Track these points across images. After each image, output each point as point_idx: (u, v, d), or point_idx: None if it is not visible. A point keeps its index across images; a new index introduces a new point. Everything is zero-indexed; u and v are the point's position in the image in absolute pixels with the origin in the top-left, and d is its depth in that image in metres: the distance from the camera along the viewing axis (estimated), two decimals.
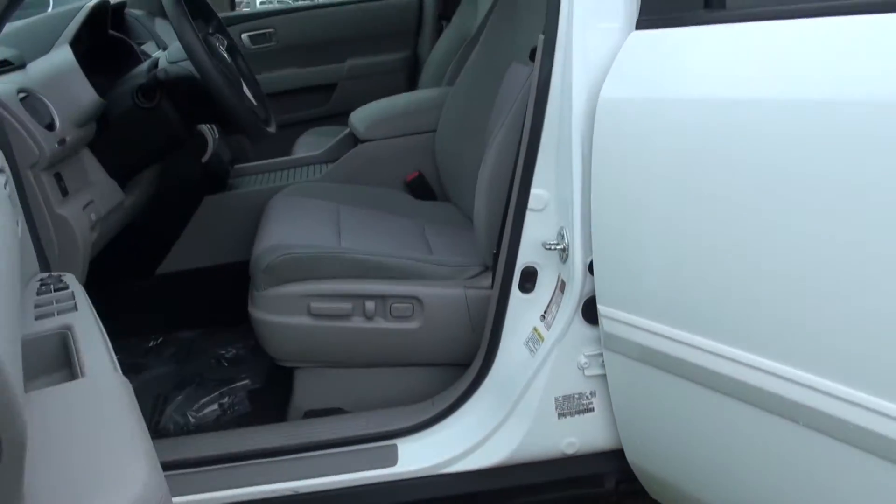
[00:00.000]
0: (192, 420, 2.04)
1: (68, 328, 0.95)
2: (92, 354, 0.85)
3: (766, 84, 1.20)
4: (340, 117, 2.97)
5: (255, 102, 2.08)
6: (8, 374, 0.53)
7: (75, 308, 1.01)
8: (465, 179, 2.23)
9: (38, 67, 1.74)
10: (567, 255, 1.58)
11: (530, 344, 1.70)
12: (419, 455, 1.73)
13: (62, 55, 1.77)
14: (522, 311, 1.70)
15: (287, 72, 3.61)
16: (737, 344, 1.26)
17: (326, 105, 3.65)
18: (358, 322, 1.86)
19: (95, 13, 2.00)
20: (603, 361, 1.59)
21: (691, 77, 1.33)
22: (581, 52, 1.48)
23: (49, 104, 1.66)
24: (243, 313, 1.92)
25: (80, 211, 1.67)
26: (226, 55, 2.02)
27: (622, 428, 1.62)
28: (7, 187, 1.18)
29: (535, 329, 1.70)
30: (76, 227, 1.62)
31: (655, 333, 1.41)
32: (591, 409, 1.67)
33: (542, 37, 1.55)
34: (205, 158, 2.39)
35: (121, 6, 2.65)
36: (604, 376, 1.61)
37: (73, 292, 1.08)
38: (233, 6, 4.21)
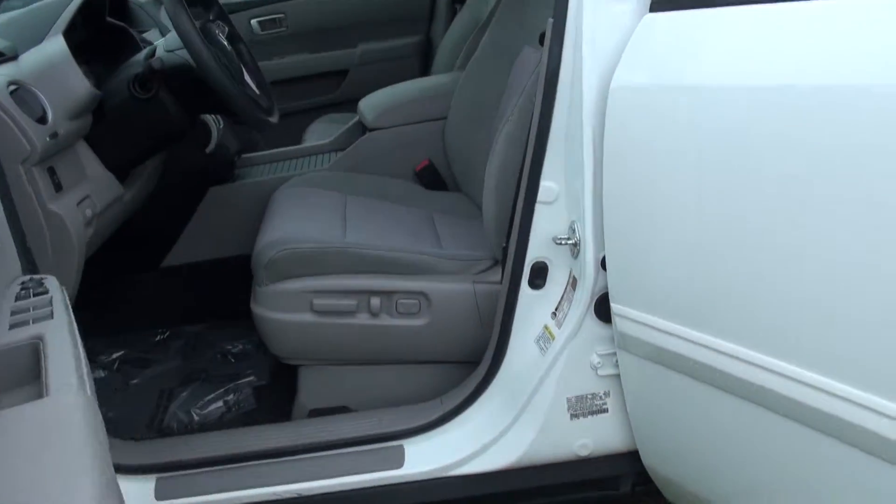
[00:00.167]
0: (197, 418, 2.00)
1: (40, 339, 0.90)
2: (58, 371, 0.79)
3: (792, 70, 1.12)
4: (352, 104, 2.89)
5: (257, 91, 2.02)
6: None
7: (51, 316, 0.95)
8: (476, 169, 2.15)
9: (30, 59, 1.69)
10: (578, 251, 1.51)
11: (541, 342, 1.63)
12: (427, 456, 1.67)
13: (55, 45, 1.72)
14: (533, 308, 1.63)
15: (297, 58, 3.54)
16: (757, 347, 1.18)
17: (338, 92, 3.58)
18: (363, 319, 1.80)
19: (91, 1, 1.94)
20: (617, 361, 1.52)
21: (710, 63, 1.25)
22: (591, 37, 1.40)
23: (41, 96, 1.61)
24: (250, 307, 1.87)
25: (74, 207, 1.62)
26: (226, 43, 1.95)
27: (637, 430, 1.55)
28: None
29: (545, 327, 1.63)
30: (70, 223, 1.57)
31: (671, 334, 1.33)
32: (605, 410, 1.60)
33: (550, 20, 1.47)
34: (209, 149, 2.33)
35: None
36: (618, 376, 1.55)
37: (51, 298, 1.02)
38: None
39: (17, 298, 1.03)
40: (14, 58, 1.68)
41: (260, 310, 1.81)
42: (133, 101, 1.88)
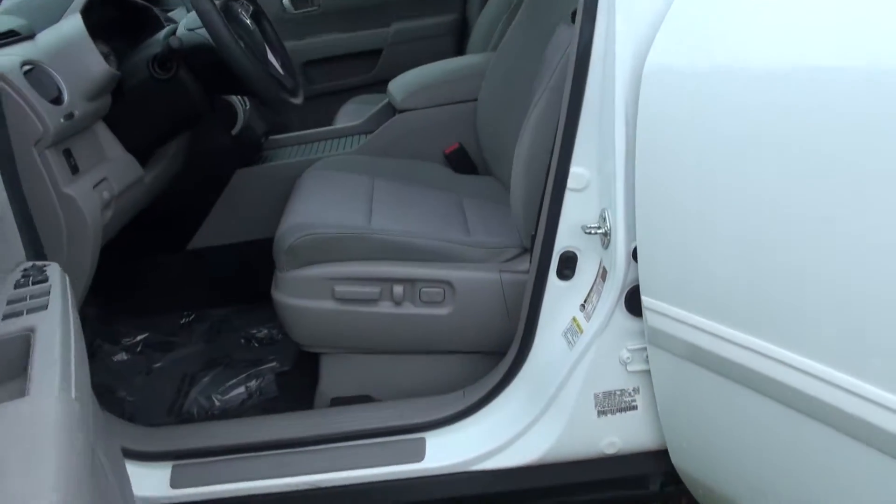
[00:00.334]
0: (217, 403, 1.98)
1: (31, 331, 0.86)
2: (43, 369, 0.75)
3: (850, 50, 1.02)
4: (386, 85, 2.83)
5: (281, 71, 1.96)
6: None
7: (46, 307, 0.91)
8: (507, 152, 2.06)
9: (47, 38, 1.65)
10: (609, 241, 1.43)
11: (568, 335, 1.56)
12: (448, 450, 1.62)
13: (72, 24, 1.68)
14: (560, 300, 1.56)
15: (330, 37, 3.48)
16: (798, 349, 1.10)
17: (372, 72, 3.52)
18: (385, 307, 1.75)
19: None
20: (647, 356, 1.45)
21: (756, 41, 1.15)
22: (626, 11, 1.31)
23: (56, 76, 1.57)
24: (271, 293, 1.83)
25: (90, 190, 1.58)
26: (249, 22, 1.90)
27: (667, 429, 1.48)
28: None
29: (574, 319, 1.56)
30: (84, 207, 1.54)
31: (706, 331, 1.25)
32: (634, 407, 1.53)
33: None
34: (235, 130, 2.29)
35: None
36: (648, 372, 1.47)
37: (49, 287, 0.98)
38: None
39: (17, 286, 0.99)
40: (31, 37, 1.65)
41: (280, 296, 1.77)
42: (152, 82, 1.84)
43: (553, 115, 1.55)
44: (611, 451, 1.56)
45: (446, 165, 2.38)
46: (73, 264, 1.57)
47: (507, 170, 2.06)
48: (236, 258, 2.39)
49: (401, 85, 2.45)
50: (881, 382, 0.99)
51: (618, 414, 1.53)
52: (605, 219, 1.43)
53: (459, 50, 3.45)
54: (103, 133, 1.76)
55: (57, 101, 1.55)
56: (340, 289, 1.73)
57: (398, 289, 1.73)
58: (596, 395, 1.53)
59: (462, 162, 2.37)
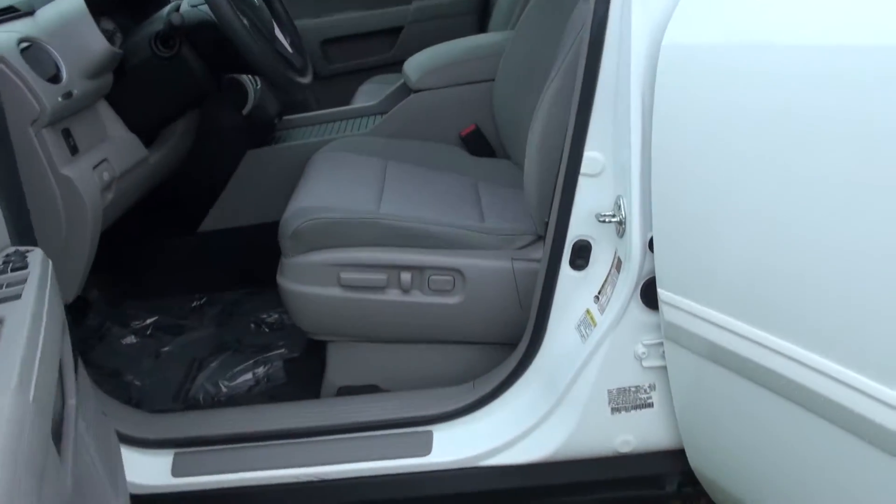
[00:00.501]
0: (224, 390, 1.94)
1: (1, 321, 0.81)
2: (3, 365, 0.70)
3: (879, 27, 0.93)
4: None
5: (289, 50, 1.90)
6: None
7: (19, 296, 0.87)
8: (524, 134, 1.98)
9: (46, 14, 1.60)
10: (624, 230, 1.36)
11: (581, 328, 1.49)
12: (456, 444, 1.57)
13: (71, 1, 1.63)
14: (573, 291, 1.49)
15: (349, 15, 3.40)
16: (827, 353, 1.01)
17: (391, 51, 3.43)
18: (393, 295, 1.69)
19: None
20: (664, 352, 1.38)
21: (780, 18, 1.06)
22: None
23: (55, 54, 1.52)
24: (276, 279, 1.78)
25: (89, 171, 1.54)
26: None
27: (684, 430, 1.41)
28: None
29: (587, 311, 1.49)
30: (83, 188, 1.49)
31: (726, 329, 1.18)
32: (650, 405, 1.46)
33: None
34: (245, 110, 2.24)
35: None
36: (665, 368, 1.40)
37: (27, 275, 0.94)
38: None
39: None
40: (30, 13, 1.60)
41: (285, 282, 1.72)
42: (155, 60, 1.78)
43: (568, 95, 1.47)
44: (625, 449, 1.49)
45: (462, 147, 2.30)
46: (71, 247, 1.54)
47: (525, 152, 1.99)
48: (248, 241, 2.34)
49: (416, 64, 2.38)
50: None
51: (633, 411, 1.47)
52: (619, 206, 1.36)
53: (481, 28, 3.36)
54: (105, 112, 1.71)
55: (55, 79, 1.50)
56: (346, 275, 1.67)
57: (406, 276, 1.67)
58: (609, 392, 1.46)
59: (478, 144, 2.29)
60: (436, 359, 1.76)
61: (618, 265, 1.42)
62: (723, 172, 1.14)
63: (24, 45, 1.48)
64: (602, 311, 1.44)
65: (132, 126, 1.76)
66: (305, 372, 1.95)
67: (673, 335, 1.31)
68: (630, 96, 1.27)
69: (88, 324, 2.14)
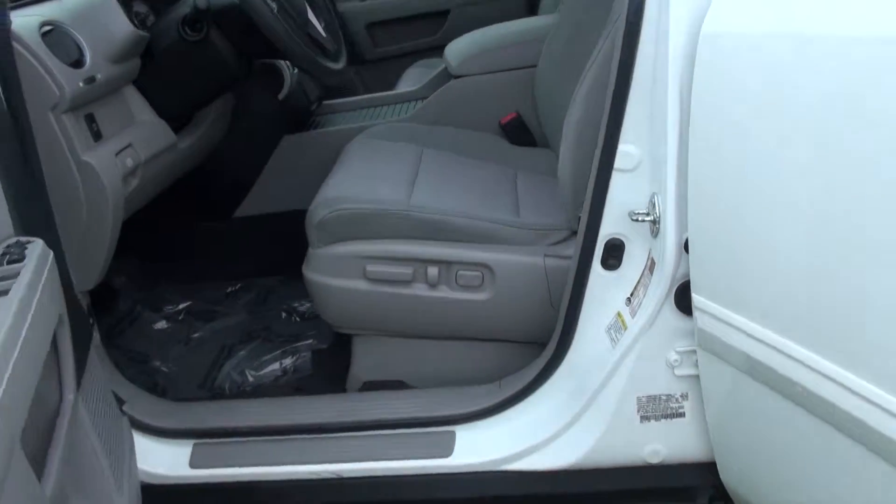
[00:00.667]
0: (251, 379, 1.92)
1: None
2: None
3: None
4: None
5: (323, 34, 1.84)
6: None
7: (6, 292, 0.84)
8: None
9: None
10: (658, 229, 1.27)
11: (612, 331, 1.42)
12: (478, 446, 1.52)
13: None
14: (605, 292, 1.42)
15: None
16: (870, 378, 0.92)
17: (438, 34, 3.36)
18: (419, 289, 1.63)
19: None
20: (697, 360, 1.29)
21: (831, 6, 0.96)
22: None
23: (78, 38, 1.50)
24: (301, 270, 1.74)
25: (111, 157, 1.52)
26: None
27: (716, 443, 1.33)
28: None
29: (618, 314, 1.41)
30: (103, 174, 1.47)
31: (764, 342, 1.09)
32: (682, 414, 1.39)
33: None
34: (282, 95, 2.20)
35: None
36: (698, 377, 1.31)
37: (21, 268, 0.91)
38: None
39: None
40: None
41: (311, 274, 1.68)
42: (182, 44, 1.75)
43: (605, 85, 1.38)
44: (654, 459, 1.42)
45: (502, 136, 2.23)
46: (92, 233, 1.52)
47: None
48: (284, 227, 2.31)
49: (457, 49, 2.31)
50: None
51: (663, 420, 1.39)
52: (654, 204, 1.27)
53: (531, 11, 3.26)
54: (133, 97, 1.69)
55: (77, 63, 1.48)
56: (372, 268, 1.62)
57: (433, 270, 1.61)
58: (639, 399, 1.39)
59: (519, 133, 2.21)
60: (463, 356, 1.70)
61: (651, 266, 1.34)
62: (766, 170, 1.05)
63: (47, 28, 1.46)
64: (633, 314, 1.36)
65: (161, 111, 1.74)
66: (333, 364, 1.91)
67: (707, 344, 1.23)
68: (667, 88, 1.18)
69: (120, 307, 2.14)
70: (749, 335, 1.11)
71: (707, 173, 1.15)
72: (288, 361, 1.96)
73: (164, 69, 1.75)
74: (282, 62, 2.21)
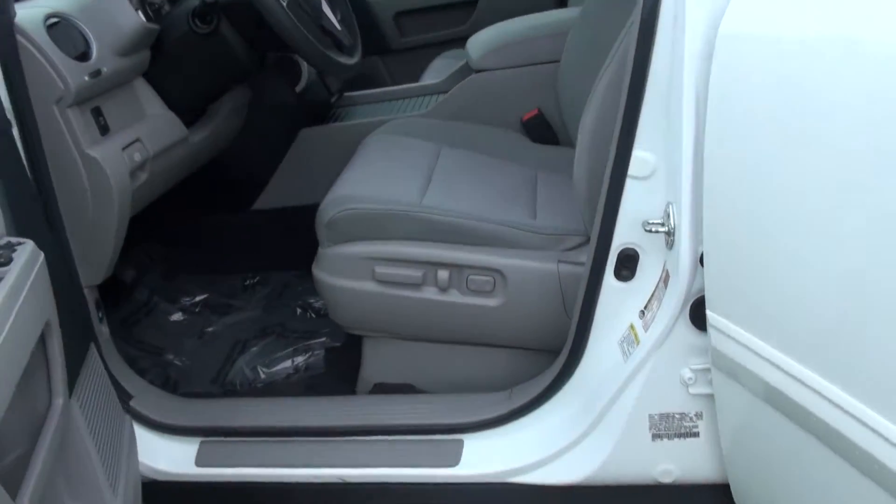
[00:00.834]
0: (262, 376, 1.90)
1: None
2: None
3: None
4: None
5: (338, 27, 1.80)
6: None
7: None
8: None
9: None
10: (672, 241, 1.21)
11: (624, 344, 1.36)
12: (486, 457, 1.48)
13: None
14: (618, 303, 1.36)
15: None
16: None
17: (467, 24, 3.29)
18: (430, 293, 1.59)
19: None
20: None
21: (857, 7, 0.89)
22: None
23: (85, 31, 1.47)
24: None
25: (117, 151, 1.49)
26: None
27: (730, 467, 1.27)
28: None
29: (631, 327, 1.35)
30: (109, 169, 1.45)
31: (781, 369, 1.02)
32: (696, 434, 1.33)
33: None
34: (299, 88, 2.16)
35: None
36: (714, 396, 1.25)
37: (5, 272, 0.88)
38: None
39: None
40: None
41: (320, 274, 1.64)
42: (192, 37, 1.71)
43: (621, 88, 1.32)
44: (666, 479, 1.36)
45: (523, 134, 2.16)
46: (99, 228, 1.50)
47: None
48: (301, 221, 2.28)
49: (478, 42, 2.25)
50: None
51: (675, 440, 1.33)
52: (669, 215, 1.21)
53: (561, 3, 3.18)
54: (143, 90, 1.66)
55: (84, 56, 1.46)
56: (381, 270, 1.59)
57: (443, 274, 1.57)
58: (651, 417, 1.33)
59: (541, 130, 2.14)
60: (473, 361, 1.66)
61: (666, 279, 1.27)
62: (788, 181, 0.98)
63: (52, 21, 1.44)
64: (647, 328, 1.31)
65: (172, 104, 1.72)
66: (345, 363, 1.88)
67: (722, 364, 1.16)
68: (683, 91, 1.12)
69: (136, 297, 2.13)
70: (768, 360, 1.04)
71: (723, 183, 1.08)
72: (300, 359, 1.93)
73: (174, 62, 1.72)
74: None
